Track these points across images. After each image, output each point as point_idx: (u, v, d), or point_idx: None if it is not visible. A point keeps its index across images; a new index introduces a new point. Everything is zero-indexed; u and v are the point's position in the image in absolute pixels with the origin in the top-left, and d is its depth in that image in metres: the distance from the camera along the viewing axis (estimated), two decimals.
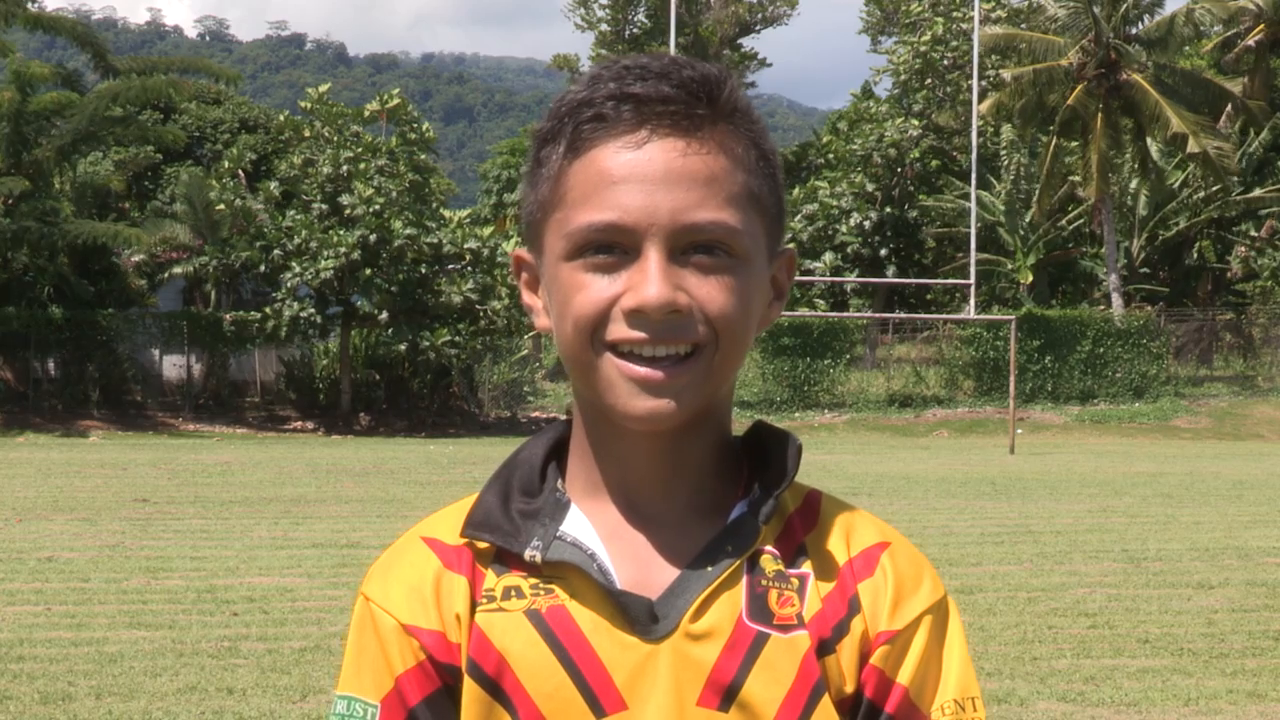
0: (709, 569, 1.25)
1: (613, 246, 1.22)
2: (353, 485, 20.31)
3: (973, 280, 34.13)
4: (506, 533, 1.28)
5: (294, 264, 35.92)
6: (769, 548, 1.28)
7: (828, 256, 47.38)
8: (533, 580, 1.26)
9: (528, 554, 1.26)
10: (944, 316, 45.24)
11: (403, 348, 36.43)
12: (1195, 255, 50.57)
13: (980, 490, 20.16)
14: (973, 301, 35.00)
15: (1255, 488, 20.67)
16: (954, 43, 50.06)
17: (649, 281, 1.20)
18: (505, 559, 1.28)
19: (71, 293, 37.96)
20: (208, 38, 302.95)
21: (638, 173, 1.21)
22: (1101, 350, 40.85)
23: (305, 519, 15.73)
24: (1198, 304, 47.76)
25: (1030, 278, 47.33)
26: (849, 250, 47.69)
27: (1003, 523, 15.72)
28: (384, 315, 36.11)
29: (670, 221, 1.21)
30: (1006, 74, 42.78)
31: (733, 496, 1.29)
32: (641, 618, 1.23)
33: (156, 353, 39.15)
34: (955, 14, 50.18)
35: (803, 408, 40.06)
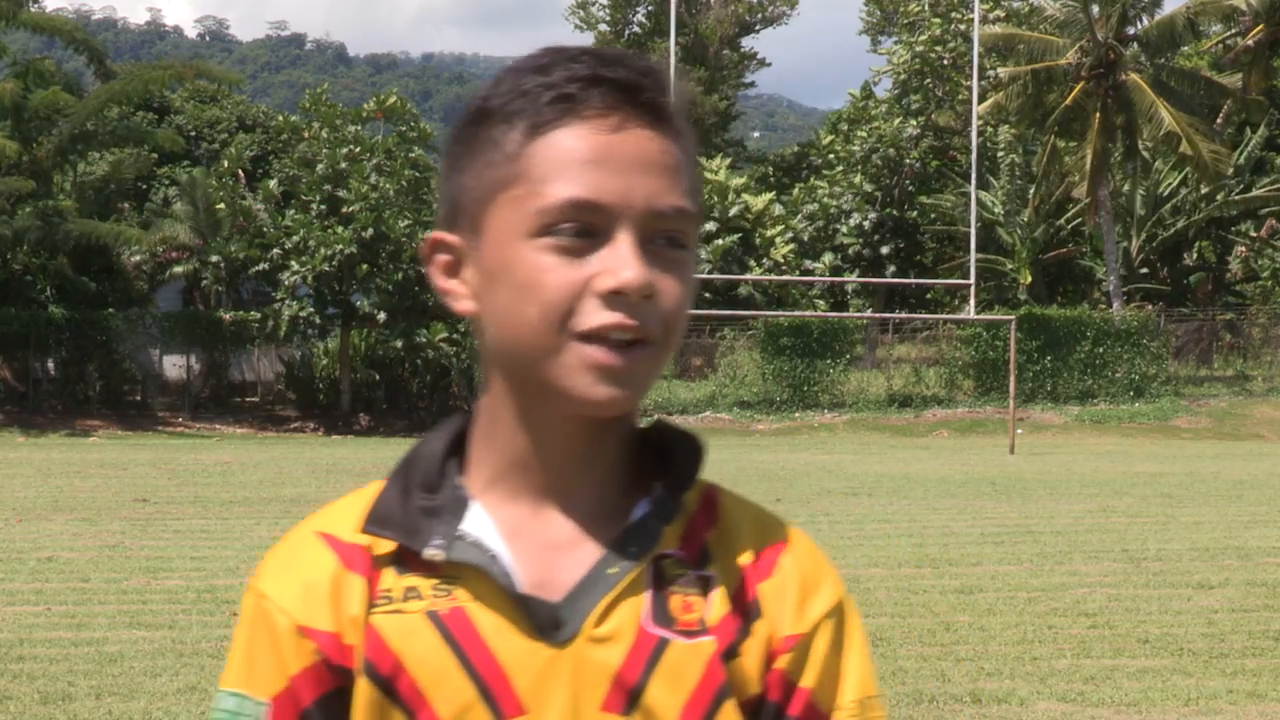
0: (612, 572, 1.22)
1: (583, 227, 1.19)
2: (353, 485, 19.98)
3: (972, 280, 34.11)
4: (407, 530, 1.25)
5: (293, 262, 35.94)
6: (673, 550, 1.25)
7: (827, 257, 47.37)
8: (433, 580, 1.24)
9: (428, 553, 1.23)
10: (944, 316, 45.21)
11: (399, 345, 36.43)
12: (1195, 255, 50.57)
13: (980, 490, 20.16)
14: (973, 301, 34.96)
15: (1255, 488, 20.66)
16: (953, 43, 50.06)
17: (626, 263, 1.17)
18: (405, 558, 1.25)
19: (72, 292, 37.95)
20: (208, 38, 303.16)
21: (614, 155, 1.19)
22: (1101, 350, 40.83)
23: (305, 519, 15.71)
24: (1197, 304, 47.75)
25: (1030, 278, 47.33)
26: (849, 250, 47.69)
27: (1003, 523, 15.71)
28: (383, 315, 36.14)
29: (645, 206, 1.19)
30: (1004, 72, 42.77)
31: (634, 496, 1.27)
32: (545, 622, 1.21)
33: (156, 353, 39.14)
34: (954, 14, 50.19)
35: (803, 408, 40.03)
